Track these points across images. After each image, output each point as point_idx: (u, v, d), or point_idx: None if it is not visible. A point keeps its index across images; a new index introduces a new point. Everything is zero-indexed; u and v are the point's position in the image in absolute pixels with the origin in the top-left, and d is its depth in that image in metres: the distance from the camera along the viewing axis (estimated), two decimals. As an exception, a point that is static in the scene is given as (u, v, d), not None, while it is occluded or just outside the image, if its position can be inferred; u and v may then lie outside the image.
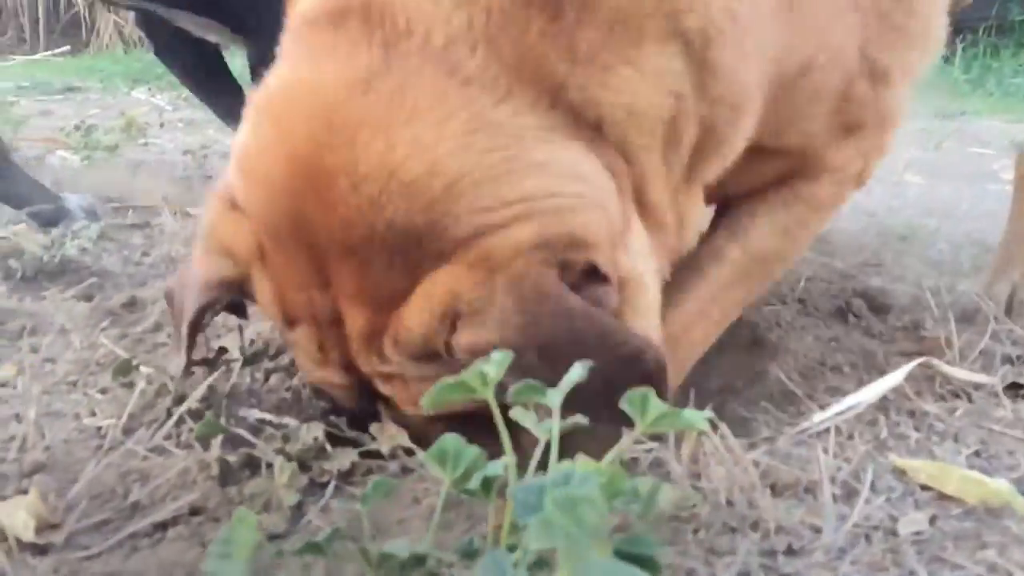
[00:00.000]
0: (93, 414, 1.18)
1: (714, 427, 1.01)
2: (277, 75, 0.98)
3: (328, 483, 0.99)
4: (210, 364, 1.23)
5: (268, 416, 1.13)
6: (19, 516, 0.89)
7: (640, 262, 0.97)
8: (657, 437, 1.01)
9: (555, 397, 0.77)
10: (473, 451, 0.76)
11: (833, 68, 1.14)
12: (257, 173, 0.95)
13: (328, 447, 1.03)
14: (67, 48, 8.38)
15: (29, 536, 0.88)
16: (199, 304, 1.01)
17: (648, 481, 0.67)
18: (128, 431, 1.12)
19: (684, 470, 0.95)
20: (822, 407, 1.16)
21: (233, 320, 1.38)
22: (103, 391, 1.25)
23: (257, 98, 0.99)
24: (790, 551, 0.85)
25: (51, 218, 2.17)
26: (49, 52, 8.23)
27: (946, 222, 2.45)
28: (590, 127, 0.94)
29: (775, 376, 1.33)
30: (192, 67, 2.85)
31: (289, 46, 1.00)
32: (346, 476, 1.01)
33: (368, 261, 0.87)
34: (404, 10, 0.91)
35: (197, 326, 1.05)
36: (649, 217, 1.02)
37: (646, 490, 0.66)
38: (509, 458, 0.73)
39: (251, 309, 1.31)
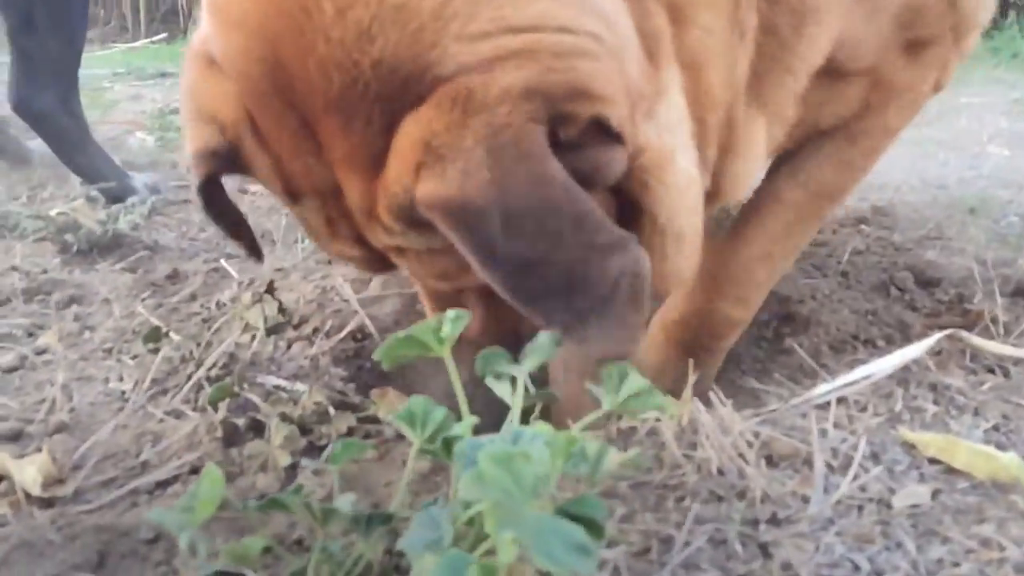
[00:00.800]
0: (121, 379, 1.23)
1: (706, 400, 0.99)
2: None
3: (326, 446, 1.01)
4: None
5: (282, 382, 1.16)
6: (29, 472, 0.94)
7: (669, 136, 0.82)
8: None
9: (522, 371, 0.77)
10: (441, 412, 0.77)
11: None
12: (230, 15, 0.76)
13: (331, 411, 1.05)
14: (164, 35, 8.64)
15: (36, 491, 0.93)
16: (198, 180, 0.85)
17: (596, 444, 0.66)
18: (150, 395, 1.16)
19: (676, 440, 0.94)
20: (840, 380, 1.12)
21: (256, 291, 1.42)
22: (135, 357, 1.30)
23: None
24: (774, 520, 0.83)
25: (118, 194, 2.26)
26: (148, 40, 8.50)
27: (1021, 194, 2.33)
28: None
29: (802, 349, 1.30)
30: None
31: None
32: (344, 439, 1.02)
33: (352, 115, 0.71)
34: None
35: (210, 200, 0.87)
36: (698, 99, 0.88)
37: (593, 452, 0.65)
38: (467, 419, 0.73)
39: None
